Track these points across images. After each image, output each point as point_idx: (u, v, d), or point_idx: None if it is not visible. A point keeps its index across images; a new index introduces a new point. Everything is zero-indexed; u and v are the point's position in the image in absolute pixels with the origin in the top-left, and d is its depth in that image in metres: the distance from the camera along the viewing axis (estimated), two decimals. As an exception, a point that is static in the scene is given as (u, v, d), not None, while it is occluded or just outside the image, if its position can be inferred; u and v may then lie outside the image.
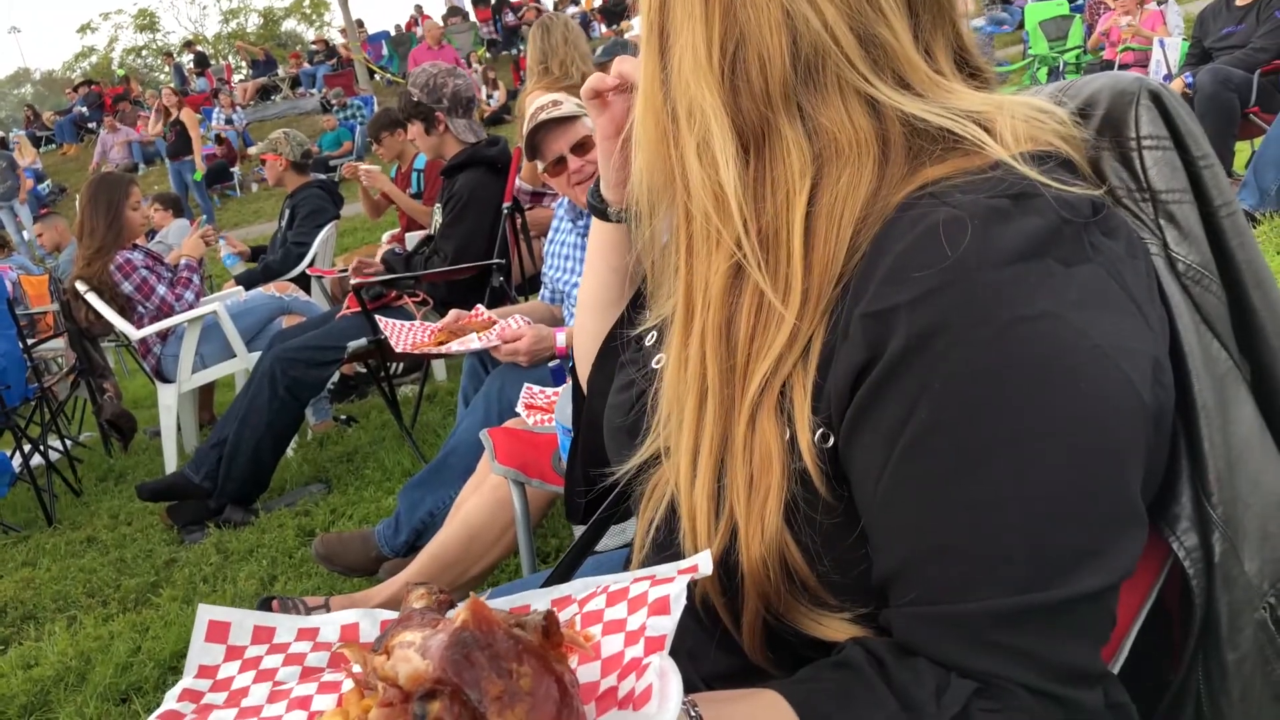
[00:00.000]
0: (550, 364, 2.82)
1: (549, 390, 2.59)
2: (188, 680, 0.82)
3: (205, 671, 0.84)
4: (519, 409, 2.51)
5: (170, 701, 0.80)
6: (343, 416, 4.87)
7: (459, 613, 0.61)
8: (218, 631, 0.86)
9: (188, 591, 3.20)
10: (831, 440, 0.74)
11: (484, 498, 2.40)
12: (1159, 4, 8.64)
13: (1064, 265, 0.67)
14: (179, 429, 4.57)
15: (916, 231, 0.69)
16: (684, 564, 0.76)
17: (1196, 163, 0.79)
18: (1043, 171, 0.71)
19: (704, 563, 0.74)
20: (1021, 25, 12.25)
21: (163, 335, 4.45)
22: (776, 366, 0.76)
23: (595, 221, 1.16)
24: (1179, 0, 9.22)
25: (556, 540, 3.00)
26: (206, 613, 0.86)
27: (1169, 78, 7.26)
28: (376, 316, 3.41)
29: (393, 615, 0.91)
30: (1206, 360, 0.77)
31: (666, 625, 0.68)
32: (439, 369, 5.31)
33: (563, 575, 1.04)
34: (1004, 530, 0.67)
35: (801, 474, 0.74)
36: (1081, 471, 0.66)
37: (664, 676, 0.62)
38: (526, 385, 2.62)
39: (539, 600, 0.86)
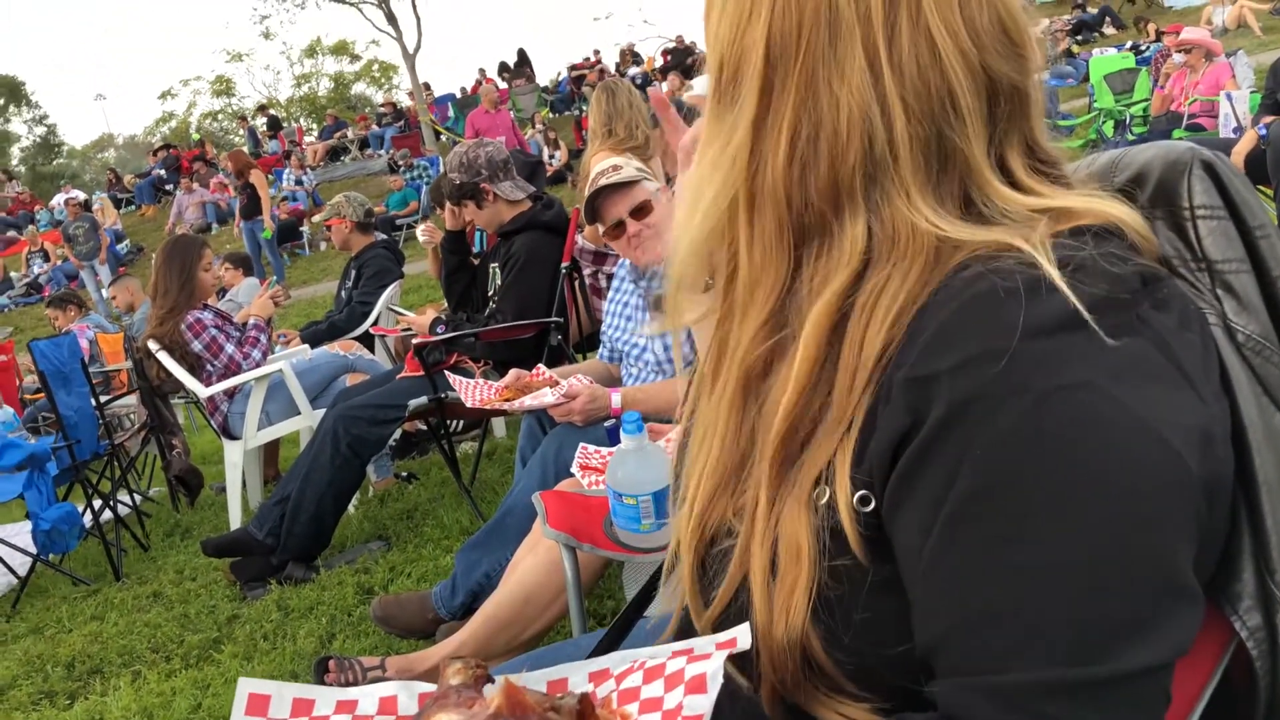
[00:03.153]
0: (606, 424, 2.82)
1: (604, 450, 2.59)
2: None
3: None
4: (574, 469, 2.51)
5: None
6: (404, 473, 4.91)
7: (493, 698, 0.61)
8: (258, 705, 0.86)
9: (248, 648, 3.22)
10: (872, 504, 0.73)
11: (539, 559, 2.39)
12: (1228, 56, 8.53)
13: (1107, 337, 0.66)
14: (244, 485, 4.65)
15: (962, 299, 0.69)
16: (722, 637, 0.75)
17: (1253, 232, 0.78)
18: (1099, 245, 0.70)
19: (743, 636, 0.73)
20: (1087, 78, 12.15)
21: (230, 393, 4.55)
22: (812, 459, 0.77)
23: None
24: (1249, 51, 9.10)
25: (613, 602, 2.97)
26: (247, 686, 0.86)
27: (1239, 130, 7.14)
28: (447, 373, 3.43)
29: (431, 688, 0.91)
30: (1268, 433, 0.74)
31: (704, 705, 0.67)
32: (498, 426, 5.34)
33: (613, 640, 1.04)
34: (1046, 599, 0.65)
35: (835, 533, 0.74)
36: (1121, 543, 0.64)
37: None
38: (582, 445, 2.62)
39: (577, 674, 0.86)
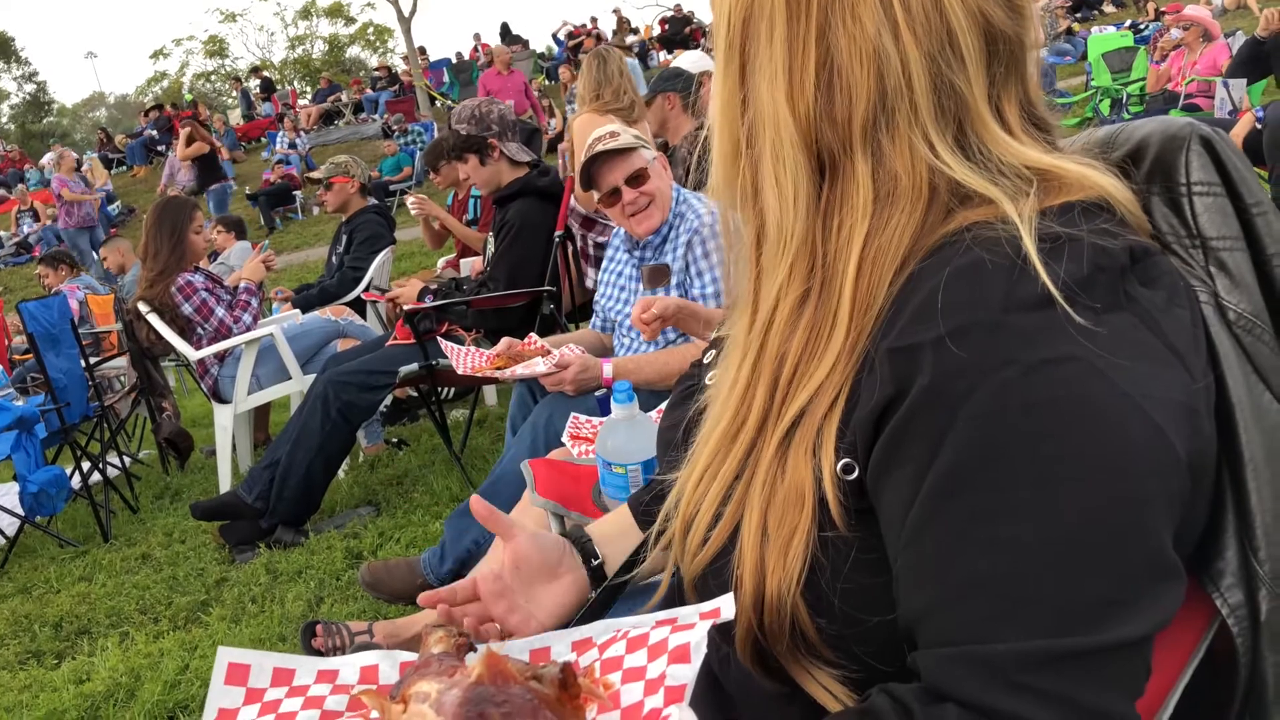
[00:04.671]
0: (597, 394, 2.81)
1: (595, 420, 2.58)
2: None
3: (225, 716, 0.83)
4: (564, 439, 2.51)
5: None
6: (394, 440, 4.91)
7: (474, 665, 0.61)
8: (237, 674, 0.86)
9: (236, 611, 3.23)
10: (855, 473, 0.74)
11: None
12: (1226, 37, 8.49)
13: (1095, 312, 0.66)
14: (234, 449, 4.64)
15: (948, 271, 0.69)
16: (705, 607, 0.75)
17: (1249, 210, 0.77)
18: (1088, 220, 0.71)
19: (726, 606, 0.73)
20: (1084, 56, 12.10)
21: (220, 356, 4.53)
22: (812, 402, 0.77)
23: None
24: (1248, 32, 9.05)
25: (601, 571, 2.97)
26: (226, 655, 0.86)
27: (1234, 113, 7.13)
28: (440, 339, 3.41)
29: (413, 657, 0.91)
30: (1256, 412, 0.74)
31: (686, 674, 0.67)
32: (489, 394, 5.33)
33: (597, 609, 1.04)
34: (1029, 572, 0.65)
35: (822, 502, 0.75)
36: (1103, 519, 0.65)
37: None
38: (573, 415, 2.62)
39: (559, 643, 0.86)
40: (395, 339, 4.04)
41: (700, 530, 0.83)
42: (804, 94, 0.77)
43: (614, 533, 1.14)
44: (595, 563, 1.08)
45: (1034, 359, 0.65)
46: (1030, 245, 0.68)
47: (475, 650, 0.82)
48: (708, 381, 0.97)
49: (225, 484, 4.48)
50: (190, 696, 2.69)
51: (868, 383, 0.72)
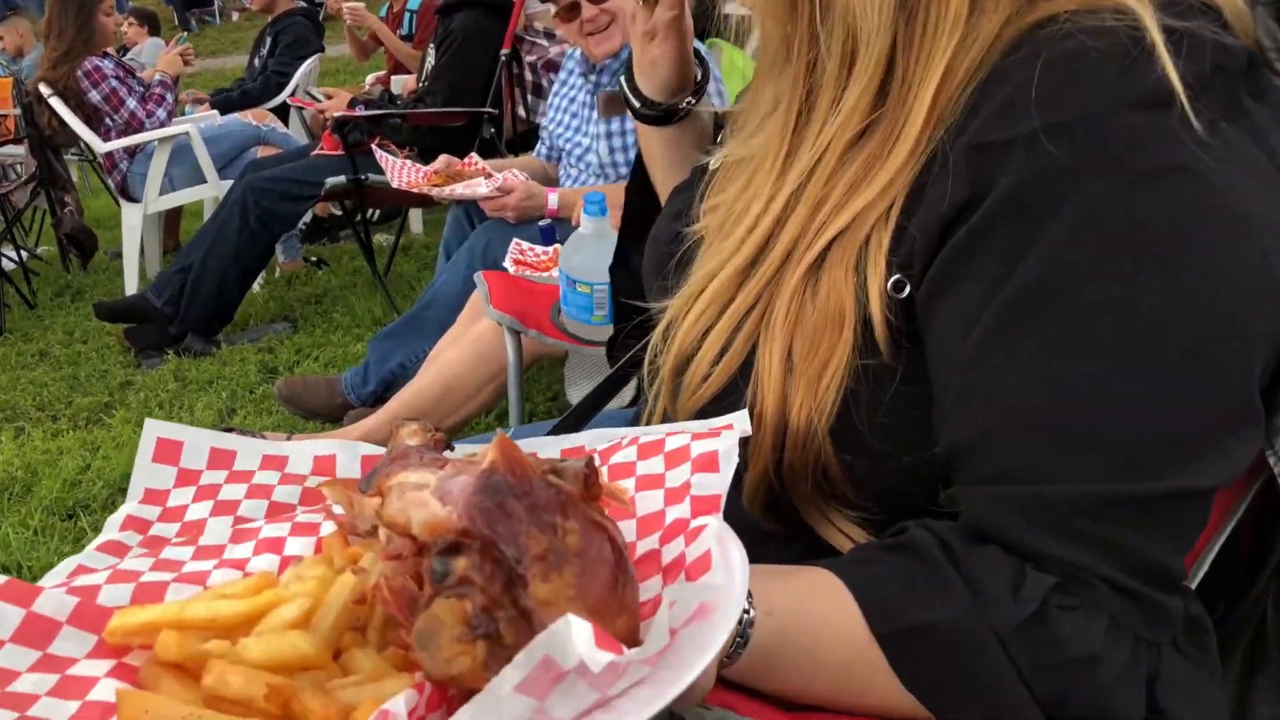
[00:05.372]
0: (540, 224, 2.69)
1: (539, 249, 2.48)
2: (132, 506, 0.71)
3: (153, 496, 0.72)
4: (507, 264, 2.41)
5: (112, 530, 0.68)
6: (313, 258, 4.71)
7: (486, 451, 0.51)
8: (168, 451, 0.74)
9: (141, 415, 3.10)
10: (907, 291, 0.66)
11: (463, 350, 2.30)
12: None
13: (1211, 119, 0.58)
14: (142, 252, 4.40)
15: (1044, 59, 0.60)
16: (718, 422, 0.67)
17: None
18: (1198, 19, 0.62)
19: (740, 422, 0.66)
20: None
21: (130, 152, 4.25)
22: (856, 220, 0.68)
23: (643, 129, 1.04)
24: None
25: (529, 405, 2.92)
26: (155, 429, 0.74)
27: None
28: (376, 149, 3.20)
29: (376, 451, 0.81)
30: None
31: (717, 484, 0.59)
32: (415, 221, 5.14)
33: (571, 427, 0.96)
34: (1107, 408, 0.59)
35: (865, 324, 0.67)
36: (1199, 358, 0.58)
37: (723, 542, 0.54)
38: (515, 241, 2.51)
39: (548, 449, 0.77)
40: (322, 149, 3.82)
41: (702, 366, 0.74)
42: None
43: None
44: (706, 81, 1.00)
45: (1142, 166, 0.57)
46: (1154, 30, 0.59)
47: (453, 449, 0.72)
48: (705, 208, 0.86)
49: (131, 288, 4.26)
50: (92, 496, 2.59)
51: (935, 187, 0.64)
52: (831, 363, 0.67)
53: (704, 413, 0.73)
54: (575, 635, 0.41)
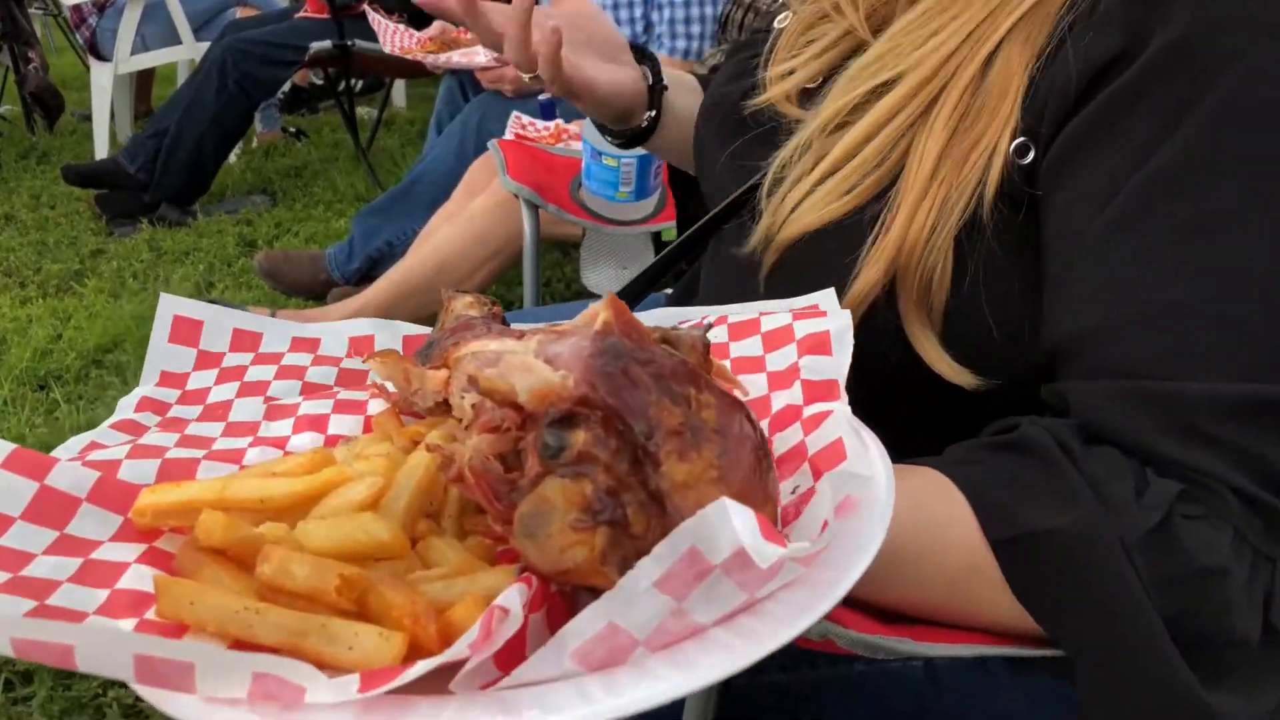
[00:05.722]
0: (540, 98, 2.56)
1: (539, 123, 2.35)
2: (147, 388, 0.62)
3: (170, 379, 0.64)
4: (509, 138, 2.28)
5: (126, 410, 0.60)
6: (292, 129, 4.52)
7: (596, 309, 0.43)
8: (185, 331, 0.66)
9: (115, 285, 2.98)
10: (1030, 156, 0.59)
11: (458, 229, 2.20)
12: None
13: None
14: (113, 116, 4.19)
15: None
16: (799, 302, 0.59)
17: None
18: None
19: (827, 300, 0.58)
20: None
21: (100, 6, 4.01)
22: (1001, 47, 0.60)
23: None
24: None
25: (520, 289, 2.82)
26: (171, 305, 0.65)
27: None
28: (368, 9, 3.01)
29: (418, 329, 0.74)
30: None
31: (832, 367, 0.52)
32: (399, 95, 4.95)
33: (647, 282, 0.88)
34: (1254, 300, 0.53)
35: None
36: None
37: (858, 429, 0.47)
38: (515, 115, 2.38)
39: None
40: (306, 12, 3.62)
41: (849, 177, 0.65)
42: None
43: (682, 83, 1.01)
44: (659, 85, 0.95)
45: None
46: None
47: (507, 323, 0.64)
48: (773, 74, 0.77)
49: (102, 152, 4.06)
50: (64, 367, 2.49)
51: (1081, 34, 0.55)
52: (983, 140, 0.60)
53: (820, 234, 0.65)
54: (737, 523, 0.34)
